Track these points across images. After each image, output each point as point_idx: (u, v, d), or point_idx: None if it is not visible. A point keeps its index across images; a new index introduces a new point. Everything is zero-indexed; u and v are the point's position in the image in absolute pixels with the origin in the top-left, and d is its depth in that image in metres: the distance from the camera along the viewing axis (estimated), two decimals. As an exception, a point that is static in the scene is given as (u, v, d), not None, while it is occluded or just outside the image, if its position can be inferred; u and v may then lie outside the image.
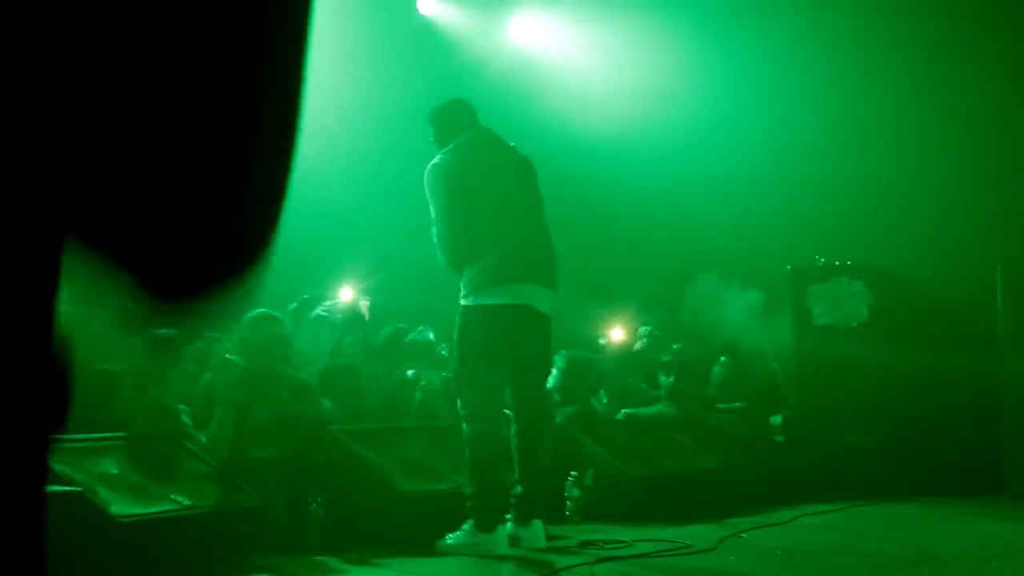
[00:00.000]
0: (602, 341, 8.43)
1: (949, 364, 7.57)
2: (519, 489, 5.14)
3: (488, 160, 5.32)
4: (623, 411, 7.54)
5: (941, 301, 8.04)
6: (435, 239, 5.21)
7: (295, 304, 7.12)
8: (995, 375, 7.47)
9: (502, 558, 4.91)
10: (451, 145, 5.31)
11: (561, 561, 4.81)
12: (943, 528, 5.73)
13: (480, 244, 5.15)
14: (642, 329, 8.48)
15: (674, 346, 8.23)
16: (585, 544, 5.18)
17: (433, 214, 5.21)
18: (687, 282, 8.97)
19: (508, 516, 5.14)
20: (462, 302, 5.16)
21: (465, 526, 5.02)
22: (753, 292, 8.71)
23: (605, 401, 7.77)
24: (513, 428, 5.20)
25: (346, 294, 7.97)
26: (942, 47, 8.71)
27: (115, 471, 4.47)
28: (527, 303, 5.15)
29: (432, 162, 5.29)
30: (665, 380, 7.94)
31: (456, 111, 5.49)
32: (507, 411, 5.31)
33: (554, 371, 7.25)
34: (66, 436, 4.31)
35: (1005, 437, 7.37)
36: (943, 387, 7.65)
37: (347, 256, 8.55)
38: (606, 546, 5.10)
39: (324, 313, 7.14)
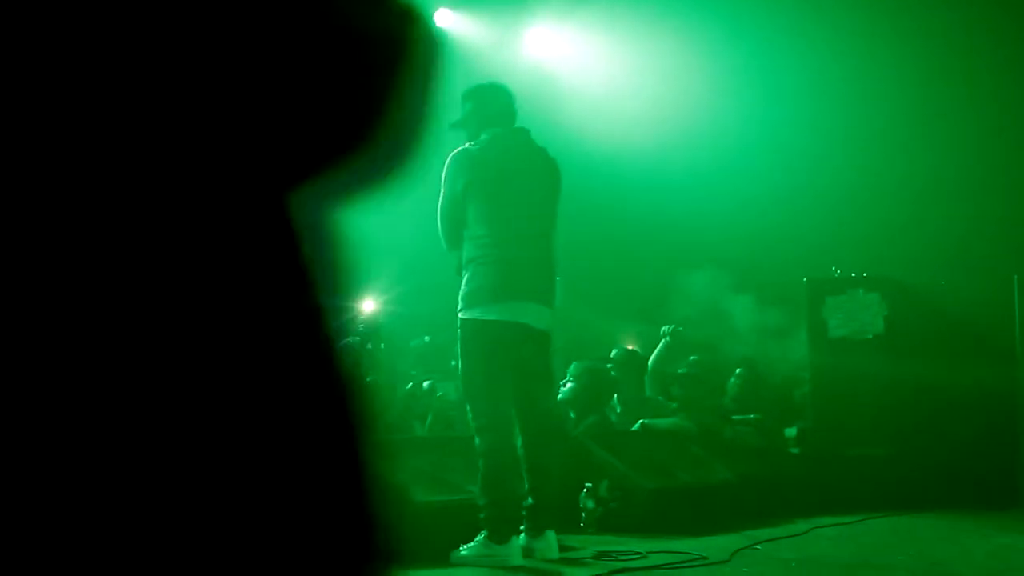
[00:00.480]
0: (614, 352, 8.43)
1: (965, 376, 7.54)
2: (530, 500, 5.15)
3: (512, 167, 5.23)
4: (639, 422, 7.55)
5: (957, 313, 8.02)
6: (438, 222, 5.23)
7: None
8: (1012, 387, 7.44)
9: (516, 569, 4.92)
10: (482, 139, 5.20)
11: (574, 572, 4.82)
12: (959, 541, 5.71)
13: (480, 252, 5.13)
14: (664, 328, 8.47)
15: (691, 357, 8.22)
16: (599, 555, 5.18)
17: (439, 202, 5.20)
18: (682, 277, 8.99)
19: (522, 527, 5.15)
20: (459, 315, 5.16)
21: (479, 537, 5.03)
22: (749, 297, 8.74)
23: (619, 411, 7.77)
24: (519, 440, 5.19)
25: (368, 306, 8.00)
26: (961, 57, 8.70)
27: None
28: (522, 321, 5.13)
29: (458, 150, 5.19)
30: (678, 392, 7.95)
31: (496, 97, 5.30)
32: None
33: (570, 383, 7.27)
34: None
35: (1022, 450, 7.34)
36: (959, 399, 7.63)
37: (369, 268, 8.58)
38: (620, 557, 5.10)
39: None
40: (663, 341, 8.36)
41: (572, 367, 7.36)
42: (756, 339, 8.76)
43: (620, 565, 4.93)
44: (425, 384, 7.28)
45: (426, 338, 7.61)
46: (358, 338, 7.23)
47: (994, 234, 8.22)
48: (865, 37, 9.10)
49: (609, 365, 7.93)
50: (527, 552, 5.08)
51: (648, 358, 8.45)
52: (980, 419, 7.61)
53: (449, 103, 5.48)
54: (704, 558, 5.06)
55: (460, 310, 5.14)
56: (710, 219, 9.33)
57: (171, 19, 0.77)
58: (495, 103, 5.27)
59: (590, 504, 6.13)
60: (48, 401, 0.72)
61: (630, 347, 8.83)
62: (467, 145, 5.21)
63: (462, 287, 5.14)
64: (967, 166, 8.63)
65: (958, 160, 8.70)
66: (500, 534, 5.00)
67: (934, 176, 8.76)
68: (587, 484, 6.16)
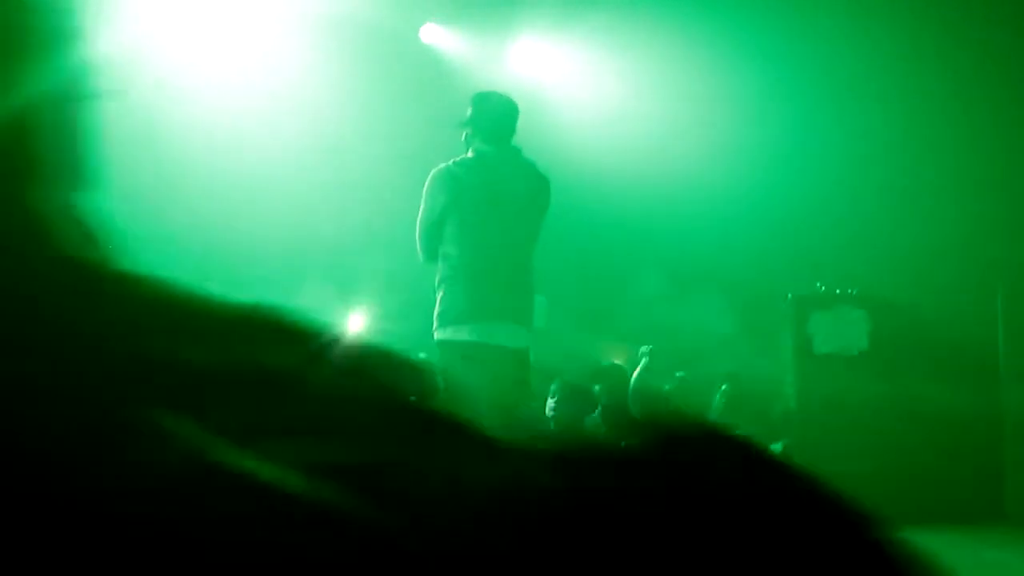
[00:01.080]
0: (598, 366, 8.43)
1: (950, 391, 7.57)
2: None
3: (495, 189, 5.26)
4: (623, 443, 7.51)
5: (942, 328, 8.05)
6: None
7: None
8: (996, 401, 7.47)
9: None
10: (469, 158, 5.24)
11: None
12: (944, 556, 5.71)
13: (451, 273, 5.15)
14: (643, 348, 8.48)
15: (677, 374, 8.22)
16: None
17: (418, 217, 5.24)
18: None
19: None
20: (435, 335, 5.19)
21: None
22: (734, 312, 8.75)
23: (604, 430, 7.76)
24: None
25: (356, 323, 7.98)
26: (950, 67, 8.73)
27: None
28: (493, 343, 5.14)
29: (441, 167, 5.23)
30: (664, 409, 7.94)
31: (493, 109, 5.33)
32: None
33: (550, 400, 7.27)
34: None
35: (1008, 464, 7.37)
36: (944, 414, 7.65)
37: (356, 285, 8.57)
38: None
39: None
40: (643, 361, 8.38)
41: (553, 384, 7.36)
42: (739, 354, 8.77)
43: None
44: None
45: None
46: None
47: (978, 250, 8.25)
48: (853, 53, 9.14)
49: (597, 387, 7.92)
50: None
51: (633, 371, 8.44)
52: (965, 434, 7.63)
53: (439, 127, 5.56)
54: (690, 574, 5.04)
55: (435, 329, 5.19)
56: (701, 236, 9.35)
57: None
58: (491, 115, 5.30)
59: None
60: None
61: (616, 361, 8.83)
62: (451, 163, 5.26)
63: (436, 307, 5.19)
64: (955, 181, 8.66)
65: (945, 175, 8.73)
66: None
67: (919, 191, 8.80)
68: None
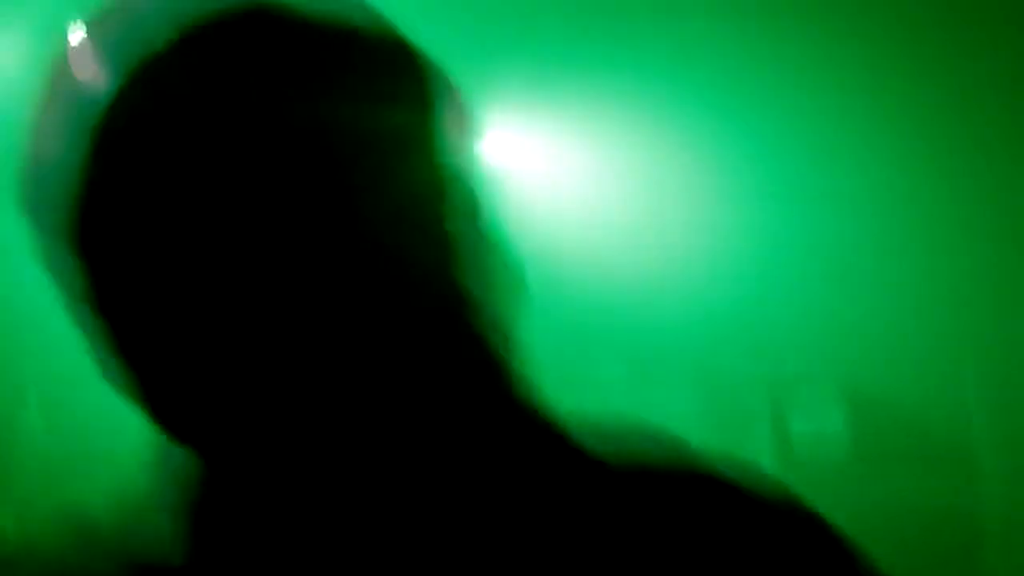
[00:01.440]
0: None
1: (929, 490, 7.57)
2: None
3: None
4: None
5: (917, 413, 8.06)
6: None
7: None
8: (974, 495, 7.46)
9: None
10: None
11: None
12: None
13: None
14: None
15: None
16: None
17: None
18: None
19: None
20: None
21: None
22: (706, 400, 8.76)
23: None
24: None
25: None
26: (934, 146, 8.80)
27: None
28: None
29: None
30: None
31: None
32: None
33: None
34: None
35: (987, 567, 7.36)
36: (923, 514, 7.65)
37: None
38: None
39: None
40: None
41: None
42: (709, 443, 8.70)
43: None
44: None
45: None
46: None
47: (954, 334, 8.27)
48: (830, 133, 9.19)
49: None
50: None
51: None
52: (944, 534, 7.61)
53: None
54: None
55: None
56: (670, 320, 9.32)
57: None
58: None
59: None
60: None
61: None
62: None
63: None
64: (929, 259, 8.70)
65: (918, 253, 8.77)
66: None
67: (898, 274, 8.82)
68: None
